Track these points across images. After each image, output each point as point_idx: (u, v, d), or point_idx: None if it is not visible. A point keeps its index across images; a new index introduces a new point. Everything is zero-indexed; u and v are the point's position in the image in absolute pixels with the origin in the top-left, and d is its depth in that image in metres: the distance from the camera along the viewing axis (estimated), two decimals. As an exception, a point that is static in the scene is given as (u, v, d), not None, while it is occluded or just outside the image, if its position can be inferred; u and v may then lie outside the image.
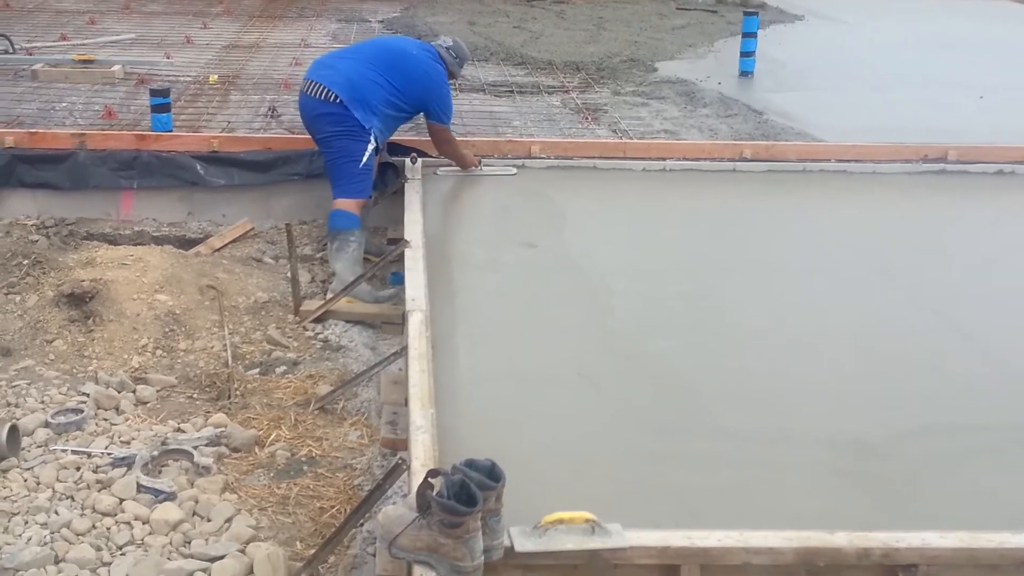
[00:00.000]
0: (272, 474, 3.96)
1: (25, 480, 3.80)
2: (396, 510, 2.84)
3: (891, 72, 9.51)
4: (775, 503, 3.26)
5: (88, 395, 4.34)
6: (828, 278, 5.05)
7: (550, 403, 3.83)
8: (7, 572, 3.29)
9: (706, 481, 3.37)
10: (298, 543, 3.56)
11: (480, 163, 6.26)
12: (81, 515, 3.60)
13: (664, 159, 6.59)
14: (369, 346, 5.03)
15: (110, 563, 3.39)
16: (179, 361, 4.72)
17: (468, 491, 2.68)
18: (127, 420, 4.24)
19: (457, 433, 3.49)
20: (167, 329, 4.87)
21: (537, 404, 3.83)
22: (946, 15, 13.52)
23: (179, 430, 4.18)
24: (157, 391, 4.45)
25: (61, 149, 6.25)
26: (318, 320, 5.17)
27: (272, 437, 4.18)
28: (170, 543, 3.51)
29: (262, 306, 5.27)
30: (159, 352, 4.75)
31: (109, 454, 3.95)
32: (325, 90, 5.54)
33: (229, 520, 3.62)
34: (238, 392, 4.47)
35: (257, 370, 4.72)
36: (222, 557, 3.40)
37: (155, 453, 3.93)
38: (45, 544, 3.44)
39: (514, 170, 6.34)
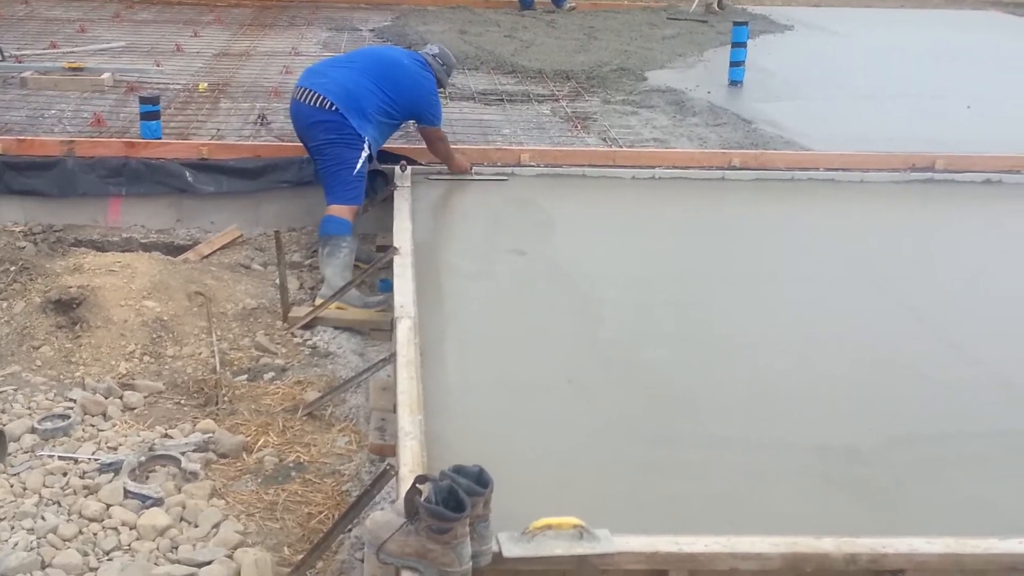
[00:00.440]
0: (260, 480, 3.95)
1: (11, 486, 3.78)
2: (384, 516, 2.84)
3: (879, 82, 9.55)
4: (764, 510, 3.26)
5: (75, 401, 4.32)
6: (816, 286, 5.06)
7: (539, 410, 3.83)
8: (-7, 578, 3.28)
9: (695, 488, 3.37)
10: (286, 549, 3.55)
11: (472, 168, 6.29)
12: (68, 521, 3.58)
13: (653, 167, 6.61)
14: (357, 352, 5.02)
15: (97, 568, 3.38)
16: (167, 367, 4.71)
17: (456, 497, 2.68)
18: (114, 426, 4.22)
19: (445, 439, 3.49)
20: (155, 335, 4.85)
21: (526, 411, 3.82)
22: (935, 25, 13.61)
23: (166, 436, 4.16)
24: (144, 397, 4.44)
25: (50, 156, 6.24)
26: (306, 326, 5.16)
27: (260, 443, 4.17)
28: (157, 549, 3.49)
29: (250, 312, 5.26)
30: (147, 358, 4.74)
31: (96, 460, 3.93)
32: (320, 98, 5.55)
33: (216, 526, 3.61)
34: (226, 398, 4.46)
35: (245, 376, 4.71)
36: (209, 563, 3.38)
37: (142, 459, 3.92)
38: (31, 550, 3.42)
39: (506, 177, 6.36)
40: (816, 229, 5.92)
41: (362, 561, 3.38)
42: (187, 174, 6.27)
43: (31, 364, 4.63)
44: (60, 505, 3.68)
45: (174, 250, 6.04)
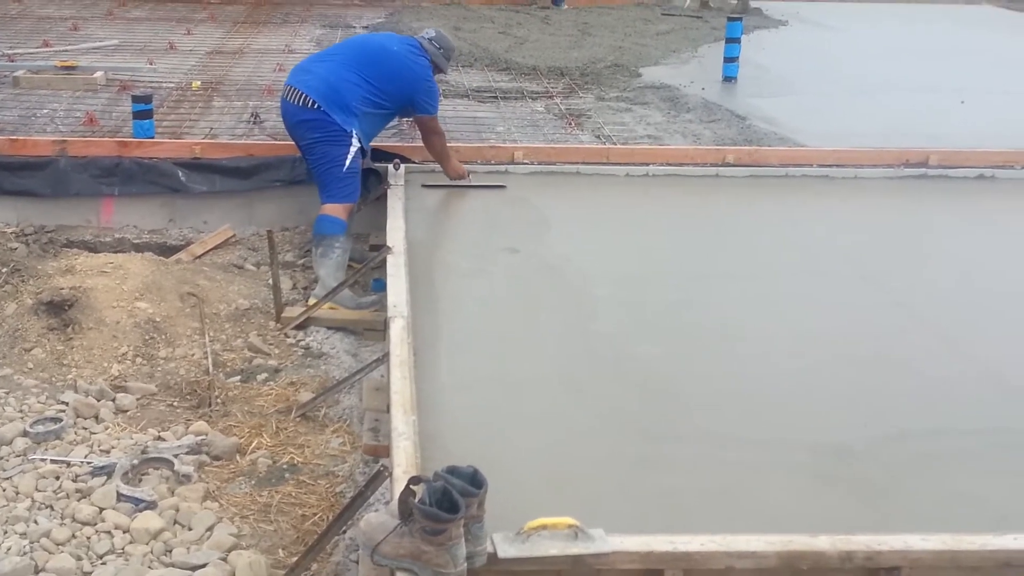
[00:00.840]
0: (254, 482, 3.93)
1: (4, 490, 3.76)
2: (378, 517, 2.83)
3: (873, 77, 9.55)
4: (759, 507, 3.25)
5: (67, 404, 4.30)
6: (810, 282, 5.06)
7: (533, 409, 3.82)
8: (-14, 582, 3.27)
9: (690, 485, 3.36)
10: (280, 551, 3.54)
11: (469, 175, 6.15)
12: (61, 524, 3.57)
13: (647, 164, 6.60)
14: (351, 353, 5.01)
15: (91, 572, 3.36)
16: (159, 369, 4.69)
17: (450, 498, 2.67)
18: (107, 429, 4.20)
19: (439, 440, 3.48)
20: (147, 337, 4.84)
21: (520, 410, 3.81)
22: (929, 20, 13.60)
23: (159, 438, 4.15)
24: (137, 399, 4.42)
25: (42, 156, 6.21)
26: (300, 327, 5.15)
27: (253, 445, 4.16)
28: (151, 552, 3.48)
29: (243, 313, 5.24)
30: (139, 360, 4.72)
31: (89, 463, 3.92)
32: (303, 96, 5.52)
33: (210, 528, 3.59)
34: (219, 400, 4.44)
35: (238, 377, 4.69)
36: (204, 566, 3.37)
37: (135, 462, 3.90)
38: (25, 554, 3.40)
39: (503, 185, 6.24)
40: (810, 225, 5.91)
41: (357, 563, 3.38)
42: (180, 173, 6.25)
43: (23, 367, 4.61)
44: (53, 509, 3.67)
45: (167, 250, 6.02)
